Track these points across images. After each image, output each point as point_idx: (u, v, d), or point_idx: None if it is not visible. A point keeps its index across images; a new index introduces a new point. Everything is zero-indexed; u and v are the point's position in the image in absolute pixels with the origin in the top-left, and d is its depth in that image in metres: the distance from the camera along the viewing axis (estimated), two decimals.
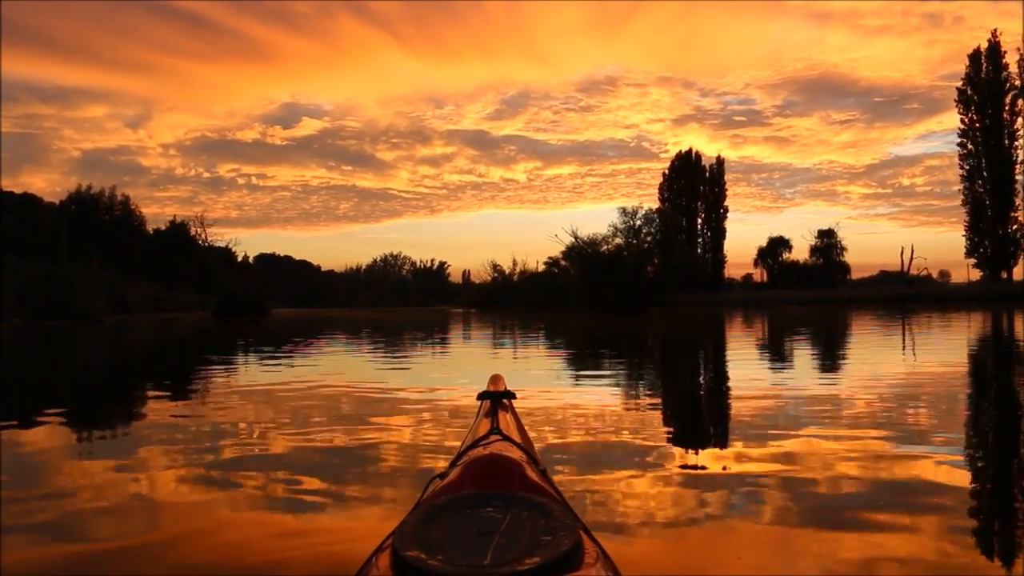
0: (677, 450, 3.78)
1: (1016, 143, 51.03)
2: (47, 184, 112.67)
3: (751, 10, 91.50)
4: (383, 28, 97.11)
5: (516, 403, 2.01)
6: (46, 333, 21.89)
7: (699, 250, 67.57)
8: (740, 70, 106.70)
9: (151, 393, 7.28)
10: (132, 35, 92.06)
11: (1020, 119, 50.78)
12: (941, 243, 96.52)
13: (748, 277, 70.53)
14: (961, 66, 53.49)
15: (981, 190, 52.20)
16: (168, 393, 7.18)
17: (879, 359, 9.40)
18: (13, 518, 2.63)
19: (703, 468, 3.31)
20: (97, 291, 37.80)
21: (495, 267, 70.17)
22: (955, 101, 53.38)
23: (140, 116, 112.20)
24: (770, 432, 4.05)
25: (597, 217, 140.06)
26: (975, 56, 52.37)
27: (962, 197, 53.48)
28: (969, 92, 52.49)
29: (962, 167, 53.42)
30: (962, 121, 53.07)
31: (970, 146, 52.79)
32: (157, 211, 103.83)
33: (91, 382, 8.81)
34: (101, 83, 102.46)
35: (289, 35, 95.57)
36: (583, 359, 10.51)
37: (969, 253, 53.14)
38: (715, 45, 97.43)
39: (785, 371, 8.21)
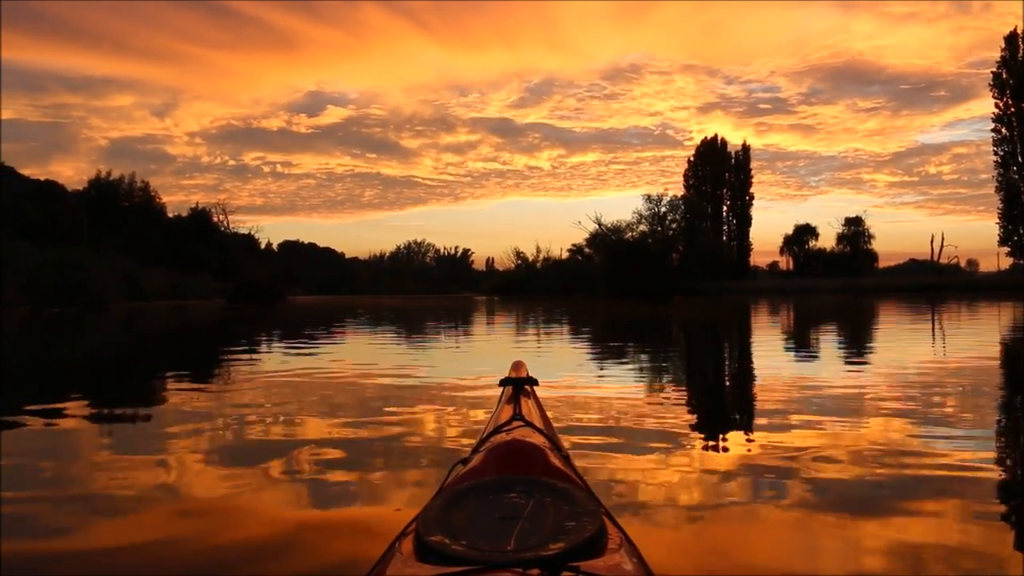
0: (701, 438, 3.75)
1: None
2: (75, 173, 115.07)
3: None
4: (407, 17, 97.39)
5: (538, 390, 2.01)
6: (47, 320, 21.91)
7: (724, 237, 66.90)
8: (765, 57, 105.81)
9: (143, 382, 7.38)
10: (159, 24, 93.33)
11: None
12: (968, 232, 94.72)
13: (774, 265, 69.85)
14: (989, 53, 52.49)
15: (1016, 176, 50.94)
16: (179, 381, 7.27)
17: (907, 349, 9.25)
18: (32, 503, 2.69)
19: (727, 456, 3.28)
20: (110, 277, 38.20)
21: (519, 254, 70.31)
22: (989, 85, 52.05)
23: (167, 105, 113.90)
24: (794, 420, 4.01)
25: (621, 205, 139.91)
26: (1011, 39, 50.93)
27: (995, 184, 52.25)
28: (1004, 76, 51.11)
29: (996, 153, 52.15)
30: (996, 106, 51.74)
31: (1004, 131, 51.47)
32: (183, 199, 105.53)
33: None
34: (128, 72, 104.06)
35: (314, 24, 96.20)
36: (606, 347, 10.48)
37: (1003, 241, 51.94)
38: (740, 32, 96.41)
39: (810, 360, 8.12)
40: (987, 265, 58.96)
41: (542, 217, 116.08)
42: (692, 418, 4.48)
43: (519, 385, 1.87)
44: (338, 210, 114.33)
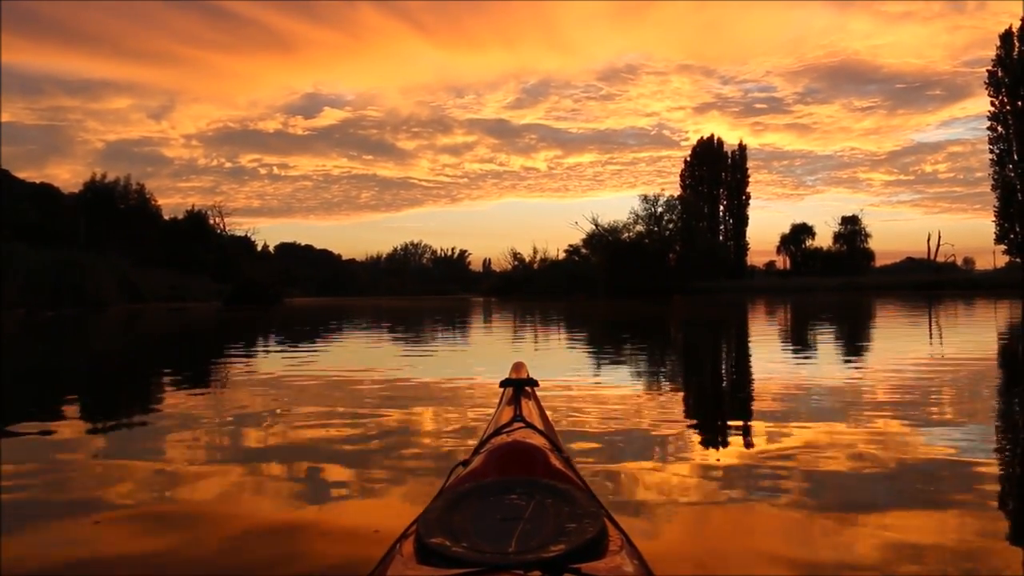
0: (700, 438, 3.75)
1: None
2: (72, 176, 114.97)
3: None
4: (405, 18, 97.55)
5: (538, 391, 2.01)
6: (43, 322, 21.62)
7: (721, 237, 66.94)
8: (761, 57, 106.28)
9: (140, 385, 7.36)
10: (156, 26, 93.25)
11: None
12: (965, 230, 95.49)
13: (771, 264, 69.90)
14: (984, 52, 52.54)
15: (1012, 174, 50.99)
16: (175, 384, 7.26)
17: (905, 347, 9.26)
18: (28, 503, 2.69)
19: (727, 456, 3.28)
20: (108, 279, 37.98)
21: (515, 255, 70.26)
22: (985, 83, 52.09)
23: (163, 107, 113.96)
24: (793, 419, 4.02)
25: (618, 205, 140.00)
26: (1006, 37, 50.97)
27: (991, 182, 52.28)
28: (1000, 74, 51.15)
29: (991, 151, 52.16)
30: (992, 104, 51.76)
31: (1000, 129, 51.50)
32: (180, 201, 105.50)
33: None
34: (125, 75, 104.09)
35: (311, 25, 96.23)
36: (605, 347, 10.48)
37: (999, 239, 51.93)
38: (736, 32, 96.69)
39: (809, 359, 8.13)
40: (983, 263, 59.25)
41: (539, 218, 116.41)
42: (692, 418, 4.48)
43: (519, 386, 1.87)
44: (335, 212, 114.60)
